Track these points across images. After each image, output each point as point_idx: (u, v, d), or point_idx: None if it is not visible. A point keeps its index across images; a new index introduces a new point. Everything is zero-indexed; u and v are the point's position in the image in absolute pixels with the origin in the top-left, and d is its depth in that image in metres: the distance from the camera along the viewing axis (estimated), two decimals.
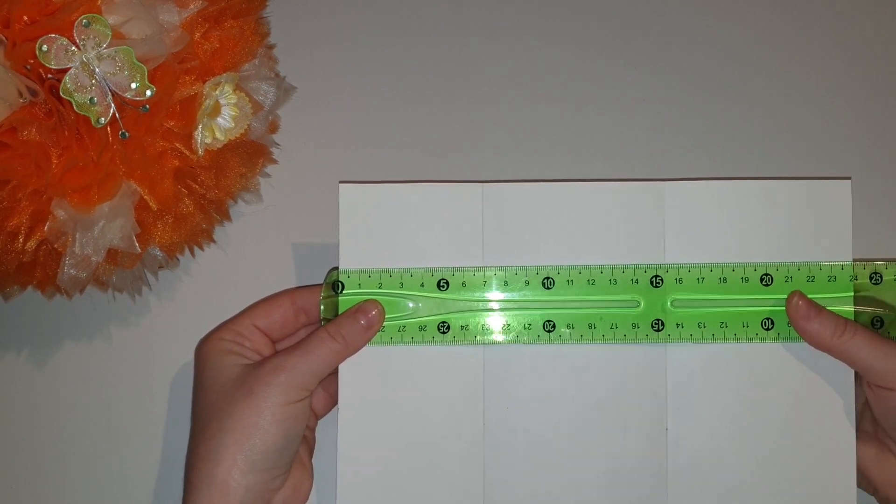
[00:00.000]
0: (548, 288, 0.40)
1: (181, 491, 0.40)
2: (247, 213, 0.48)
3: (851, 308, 0.40)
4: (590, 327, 0.40)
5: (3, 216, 0.36)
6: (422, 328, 0.40)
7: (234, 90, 0.39)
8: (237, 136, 0.40)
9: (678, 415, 0.40)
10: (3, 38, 0.34)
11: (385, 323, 0.40)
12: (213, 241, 0.46)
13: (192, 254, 0.46)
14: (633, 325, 0.40)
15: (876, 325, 0.40)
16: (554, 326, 0.40)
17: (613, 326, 0.40)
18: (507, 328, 0.40)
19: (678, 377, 0.41)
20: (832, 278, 0.40)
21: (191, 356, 0.44)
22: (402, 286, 0.40)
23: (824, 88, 0.48)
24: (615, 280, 0.40)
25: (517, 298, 0.40)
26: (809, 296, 0.40)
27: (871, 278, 0.40)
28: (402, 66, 0.51)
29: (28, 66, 0.34)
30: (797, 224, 0.41)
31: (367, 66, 0.51)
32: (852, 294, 0.40)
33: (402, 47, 0.51)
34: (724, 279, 0.40)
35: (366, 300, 0.40)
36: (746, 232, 0.41)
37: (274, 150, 0.47)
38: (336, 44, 0.51)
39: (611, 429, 0.40)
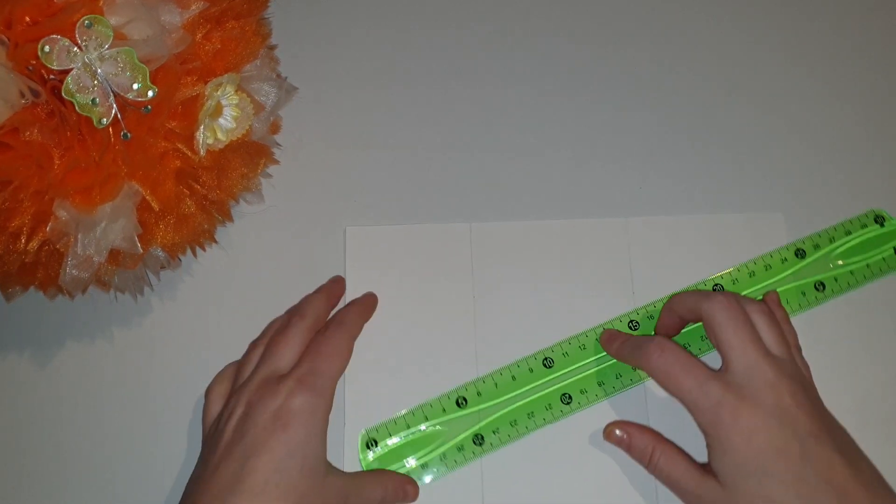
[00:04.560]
0: (549, 367, 0.44)
1: (182, 490, 0.40)
2: (248, 214, 0.48)
3: (794, 283, 0.45)
4: (599, 385, 0.43)
5: (6, 217, 0.36)
6: (460, 448, 0.42)
7: (236, 91, 0.39)
8: (239, 136, 0.40)
9: None
10: (5, 39, 0.34)
11: (427, 457, 0.42)
12: (215, 242, 0.46)
13: (194, 254, 0.46)
14: (633, 369, 0.44)
15: (818, 289, 0.45)
16: (570, 398, 0.43)
17: (618, 376, 0.44)
18: (530, 415, 0.43)
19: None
20: (768, 266, 0.45)
21: (193, 356, 0.44)
22: (426, 419, 0.43)
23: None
24: (598, 338, 0.44)
25: (529, 387, 0.43)
26: (755, 286, 0.45)
27: (796, 254, 0.45)
28: (404, 67, 0.51)
29: (30, 67, 0.34)
30: (741, 250, 0.46)
31: (368, 66, 0.51)
32: (787, 272, 0.45)
33: (404, 48, 0.51)
34: None
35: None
36: (698, 256, 0.46)
37: (275, 150, 0.47)
38: (337, 44, 0.52)
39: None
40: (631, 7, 0.52)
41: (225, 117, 0.39)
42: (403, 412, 0.43)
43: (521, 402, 0.43)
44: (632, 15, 0.52)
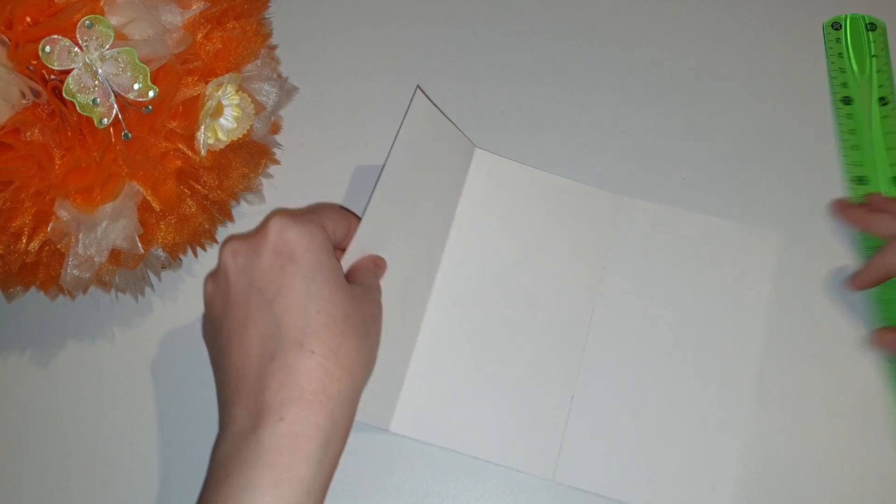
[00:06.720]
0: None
1: (183, 490, 0.41)
2: (249, 214, 0.48)
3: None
4: None
5: (7, 217, 0.36)
6: None
7: (237, 91, 0.40)
8: (239, 136, 0.40)
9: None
10: (6, 40, 0.34)
11: None
12: (216, 242, 0.46)
13: (195, 254, 0.46)
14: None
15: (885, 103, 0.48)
16: None
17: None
18: None
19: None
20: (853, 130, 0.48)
21: (193, 356, 0.44)
22: None
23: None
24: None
25: None
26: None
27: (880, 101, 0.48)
28: (404, 67, 0.51)
29: (31, 67, 0.34)
30: (724, 260, 0.45)
31: (368, 66, 0.51)
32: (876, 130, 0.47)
33: (404, 48, 0.51)
34: None
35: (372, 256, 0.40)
36: (678, 255, 0.46)
37: (276, 150, 0.47)
38: (338, 44, 0.52)
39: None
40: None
41: (226, 117, 0.39)
42: None
43: None
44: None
